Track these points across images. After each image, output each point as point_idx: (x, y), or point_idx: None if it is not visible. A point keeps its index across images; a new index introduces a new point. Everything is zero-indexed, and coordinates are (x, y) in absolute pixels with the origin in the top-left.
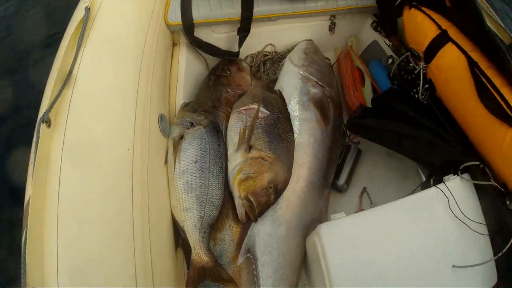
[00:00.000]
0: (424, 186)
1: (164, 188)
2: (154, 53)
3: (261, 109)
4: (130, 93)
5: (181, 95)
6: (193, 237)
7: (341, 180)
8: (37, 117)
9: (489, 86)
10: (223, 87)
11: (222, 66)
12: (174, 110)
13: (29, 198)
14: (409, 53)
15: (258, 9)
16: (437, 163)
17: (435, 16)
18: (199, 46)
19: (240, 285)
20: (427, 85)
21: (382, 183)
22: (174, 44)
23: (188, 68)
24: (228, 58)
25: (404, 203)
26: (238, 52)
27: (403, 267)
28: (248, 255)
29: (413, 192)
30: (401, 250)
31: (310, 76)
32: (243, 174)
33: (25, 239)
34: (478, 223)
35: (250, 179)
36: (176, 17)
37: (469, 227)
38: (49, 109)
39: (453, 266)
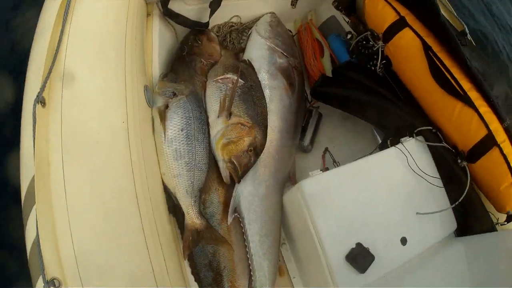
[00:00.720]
0: (382, 146)
1: (154, 157)
2: (135, 25)
3: (235, 78)
4: (119, 68)
5: (157, 65)
6: (186, 202)
7: (306, 141)
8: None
9: (441, 67)
10: (196, 56)
11: (193, 36)
12: (152, 81)
13: (33, 177)
14: (369, 32)
15: None
16: (392, 127)
17: (395, 3)
18: (172, 17)
19: (231, 243)
20: (384, 61)
21: (341, 143)
22: (147, 15)
23: (161, 39)
24: (197, 29)
25: (370, 160)
26: (208, 23)
27: (374, 215)
28: (235, 214)
29: (373, 152)
30: (371, 199)
31: (276, 48)
32: (226, 139)
33: (36, 219)
34: (434, 177)
35: (232, 143)
36: None
37: (426, 180)
38: (42, 88)
39: (417, 213)
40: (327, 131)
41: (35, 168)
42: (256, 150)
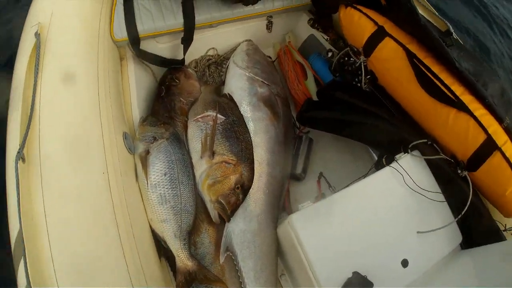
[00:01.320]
0: (378, 165)
1: (139, 203)
2: (107, 72)
3: (216, 115)
4: (94, 117)
5: (136, 109)
6: (175, 245)
7: (298, 169)
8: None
9: (428, 74)
10: (175, 96)
11: (170, 75)
12: (132, 125)
13: (18, 231)
14: (348, 48)
15: (200, 18)
16: (385, 144)
17: (371, 13)
18: (146, 58)
19: (225, 282)
20: (369, 76)
21: (336, 166)
22: (121, 59)
23: (138, 82)
24: (174, 67)
25: (363, 184)
26: (184, 59)
27: (372, 240)
28: (227, 253)
29: (368, 172)
30: (367, 223)
31: (256, 77)
32: (211, 179)
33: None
34: (434, 192)
35: (218, 183)
36: (121, 33)
37: (425, 196)
38: (22, 146)
39: (418, 232)
40: (320, 156)
41: (22, 225)
42: (244, 187)
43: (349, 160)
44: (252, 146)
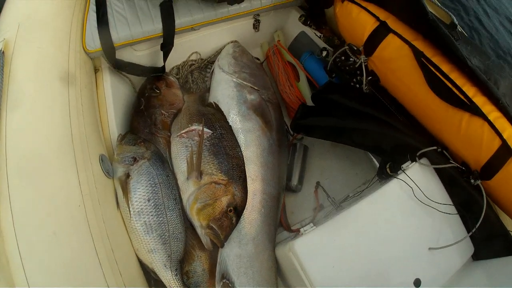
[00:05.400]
0: (381, 174)
1: (123, 234)
2: (79, 88)
3: (201, 129)
4: (65, 143)
5: (114, 126)
6: (166, 276)
7: (294, 181)
8: None
9: (438, 75)
10: (155, 109)
11: (149, 85)
12: (110, 144)
13: None
14: (347, 47)
15: (180, 21)
16: (388, 149)
17: (371, 7)
18: (123, 68)
19: None
20: (370, 77)
21: (334, 174)
22: (96, 71)
23: (115, 94)
24: (153, 76)
25: (369, 201)
26: (164, 66)
27: (381, 261)
28: (224, 280)
29: (371, 182)
30: (375, 244)
31: (244, 82)
32: (200, 203)
33: None
34: (445, 204)
35: (208, 206)
36: (94, 43)
37: (437, 209)
38: None
39: (429, 248)
40: (316, 164)
41: None
42: (237, 209)
43: (347, 167)
44: (244, 162)
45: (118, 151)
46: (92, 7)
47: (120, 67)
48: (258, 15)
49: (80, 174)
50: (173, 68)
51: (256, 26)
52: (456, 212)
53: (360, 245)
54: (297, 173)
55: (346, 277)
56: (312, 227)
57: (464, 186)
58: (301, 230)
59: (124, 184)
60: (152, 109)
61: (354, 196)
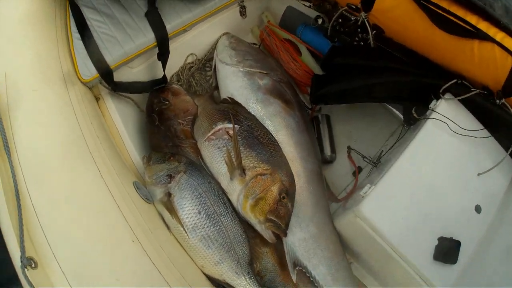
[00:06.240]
0: (407, 120)
1: (184, 256)
2: (89, 121)
3: (228, 125)
4: (97, 184)
5: (133, 150)
6: (241, 283)
7: (327, 151)
8: None
9: (440, 12)
10: (171, 120)
11: (156, 99)
12: (136, 170)
13: None
14: (344, 8)
15: (171, 26)
16: (406, 95)
17: None
18: (124, 89)
19: None
20: (374, 31)
21: (359, 135)
22: (96, 99)
23: (124, 119)
24: (156, 89)
25: (413, 148)
26: (165, 76)
27: (440, 200)
28: (297, 268)
29: (403, 131)
30: (431, 187)
31: (252, 69)
32: (251, 199)
33: None
34: (479, 129)
35: (260, 200)
36: (89, 71)
37: (475, 137)
38: (23, 251)
39: (478, 174)
40: (339, 130)
41: None
42: (289, 193)
43: (370, 125)
44: (279, 146)
45: (149, 173)
46: (75, 35)
47: (121, 89)
48: (243, 0)
49: (122, 209)
50: (172, 76)
51: (242, 12)
52: (490, 134)
53: (419, 189)
54: (327, 143)
55: (416, 223)
56: (370, 187)
57: (490, 109)
58: (361, 193)
59: (168, 204)
60: (168, 121)
61: (388, 150)
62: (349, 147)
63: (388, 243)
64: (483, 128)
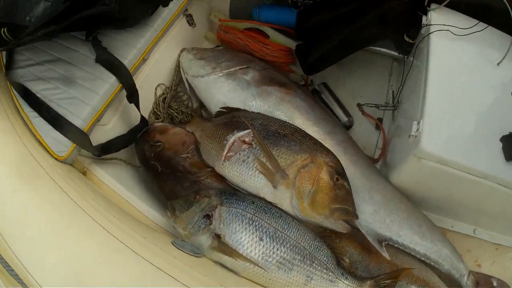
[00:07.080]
0: (403, 49)
1: None
2: (91, 199)
3: (240, 133)
4: (141, 263)
5: (149, 209)
6: (341, 285)
7: (343, 118)
8: None
9: None
10: (174, 159)
11: (146, 146)
12: (162, 229)
13: None
14: None
15: (128, 60)
16: (395, 24)
17: None
18: (106, 150)
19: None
20: None
21: (362, 89)
22: (83, 174)
23: (122, 183)
24: (141, 135)
25: (435, 66)
26: (143, 118)
27: (484, 104)
28: (384, 243)
29: (404, 61)
30: (470, 90)
31: (232, 69)
32: (306, 197)
33: None
34: (476, 24)
35: (315, 194)
36: (63, 145)
37: (478, 31)
38: None
39: (498, 64)
40: (342, 93)
41: None
42: (340, 172)
43: (367, 74)
44: (304, 131)
45: (182, 225)
46: (31, 114)
47: (103, 151)
48: (186, 9)
49: (179, 278)
50: (149, 116)
51: (190, 22)
52: (487, 25)
53: (461, 101)
54: (339, 110)
55: (475, 134)
56: (418, 123)
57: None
58: (412, 133)
59: (222, 246)
60: (171, 161)
61: (400, 87)
62: (359, 104)
63: (464, 168)
64: (479, 21)
